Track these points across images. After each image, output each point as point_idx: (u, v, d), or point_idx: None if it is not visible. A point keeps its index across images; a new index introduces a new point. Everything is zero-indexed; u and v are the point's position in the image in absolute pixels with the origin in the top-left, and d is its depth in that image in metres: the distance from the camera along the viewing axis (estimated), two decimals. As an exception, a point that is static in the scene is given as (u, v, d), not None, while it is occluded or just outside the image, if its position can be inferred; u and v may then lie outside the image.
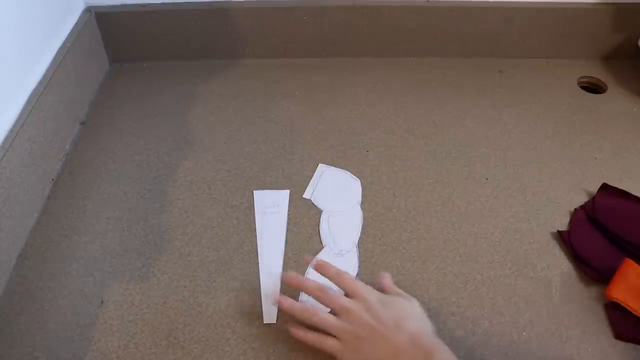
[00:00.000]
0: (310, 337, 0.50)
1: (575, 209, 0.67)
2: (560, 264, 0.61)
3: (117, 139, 0.77)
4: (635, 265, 0.57)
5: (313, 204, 0.67)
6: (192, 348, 0.53)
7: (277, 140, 0.77)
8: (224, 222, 0.65)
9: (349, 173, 0.71)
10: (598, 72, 0.91)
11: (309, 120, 0.81)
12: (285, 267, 0.60)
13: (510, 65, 0.92)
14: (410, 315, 0.49)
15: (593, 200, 0.67)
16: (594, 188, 0.69)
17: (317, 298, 0.52)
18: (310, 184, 0.70)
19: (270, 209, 0.66)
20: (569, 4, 0.87)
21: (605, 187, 0.68)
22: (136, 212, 0.66)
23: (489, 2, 0.87)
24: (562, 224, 0.65)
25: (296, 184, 0.70)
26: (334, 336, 0.49)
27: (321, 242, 0.63)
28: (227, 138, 0.77)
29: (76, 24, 0.82)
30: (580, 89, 0.88)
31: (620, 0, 0.87)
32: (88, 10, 0.85)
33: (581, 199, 0.68)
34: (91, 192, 0.69)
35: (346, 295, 0.52)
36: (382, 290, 0.53)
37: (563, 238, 0.63)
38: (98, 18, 0.86)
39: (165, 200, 0.68)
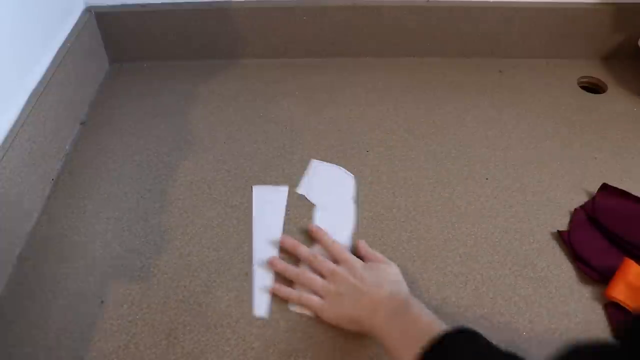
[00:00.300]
0: (295, 294, 0.55)
1: (575, 209, 0.67)
2: (560, 264, 0.61)
3: (117, 139, 0.77)
4: (635, 265, 0.57)
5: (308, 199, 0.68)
6: (192, 348, 0.53)
7: (277, 140, 0.77)
8: (224, 222, 0.65)
9: (343, 169, 0.72)
10: (598, 72, 0.91)
11: (309, 120, 0.81)
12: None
13: (510, 65, 0.92)
14: (389, 278, 0.54)
15: (593, 200, 0.67)
16: (594, 188, 0.69)
17: (308, 262, 0.57)
18: (303, 179, 0.70)
19: (269, 204, 0.67)
20: (569, 4, 0.87)
21: (605, 187, 0.68)
22: (136, 212, 0.66)
23: (489, 2, 0.87)
24: (562, 224, 0.65)
25: (296, 183, 0.70)
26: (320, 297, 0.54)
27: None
28: (227, 138, 0.77)
29: (76, 24, 0.82)
30: (580, 89, 0.88)
31: (620, 0, 0.87)
32: (88, 10, 0.85)
33: (581, 199, 0.68)
34: (91, 192, 0.69)
35: (335, 262, 0.57)
36: (361, 258, 0.58)
37: (563, 238, 0.63)
38: (98, 18, 0.86)
39: (165, 200, 0.68)
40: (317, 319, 0.54)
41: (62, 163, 0.73)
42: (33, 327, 0.54)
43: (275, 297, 0.57)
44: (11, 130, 0.63)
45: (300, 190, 0.68)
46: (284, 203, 0.67)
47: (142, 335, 0.54)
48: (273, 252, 0.61)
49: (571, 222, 0.65)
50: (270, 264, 0.58)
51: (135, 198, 0.68)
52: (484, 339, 0.42)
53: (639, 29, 0.90)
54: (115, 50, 0.90)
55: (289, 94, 0.86)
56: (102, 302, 0.57)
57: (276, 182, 0.70)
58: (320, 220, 0.65)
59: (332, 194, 0.68)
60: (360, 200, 0.68)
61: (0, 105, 0.62)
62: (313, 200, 0.67)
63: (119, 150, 0.75)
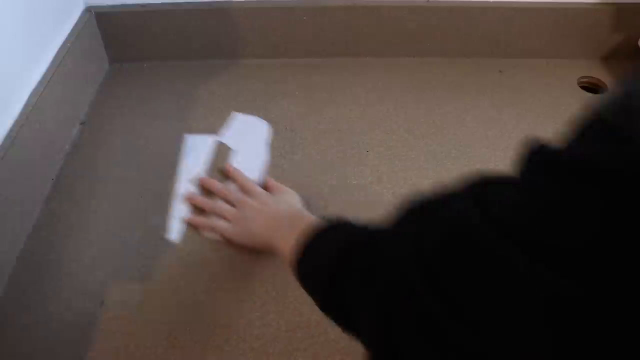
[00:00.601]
0: (204, 220, 0.63)
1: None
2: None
3: (117, 139, 0.77)
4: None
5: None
6: (192, 348, 0.53)
7: (277, 140, 0.77)
8: (224, 222, 0.65)
9: (259, 118, 0.80)
10: (598, 72, 0.91)
11: (309, 120, 0.81)
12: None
13: (510, 65, 0.92)
14: (289, 201, 0.62)
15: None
16: (594, 188, 0.69)
17: (221, 195, 0.65)
18: (224, 128, 0.78)
19: (195, 150, 0.75)
20: (569, 4, 0.87)
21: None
22: (136, 212, 0.66)
23: (489, 2, 0.87)
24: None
25: (296, 183, 0.70)
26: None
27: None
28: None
29: (76, 24, 0.82)
30: (580, 89, 0.88)
31: (620, 0, 0.87)
32: (88, 10, 0.85)
33: (581, 199, 0.68)
34: (91, 192, 0.69)
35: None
36: (270, 190, 0.65)
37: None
38: (98, 18, 0.86)
39: (165, 200, 0.68)
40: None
41: (62, 163, 0.73)
42: (33, 327, 0.54)
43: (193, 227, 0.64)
44: (11, 130, 0.63)
45: (221, 137, 0.77)
46: (209, 150, 0.74)
47: (142, 335, 0.54)
48: (194, 190, 0.69)
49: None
50: (187, 198, 0.67)
51: (135, 198, 0.68)
52: (354, 223, 0.43)
53: (639, 29, 0.90)
54: (115, 50, 0.90)
55: (289, 94, 0.86)
56: (102, 302, 0.57)
57: (277, 182, 0.70)
58: (236, 162, 0.73)
59: (248, 139, 0.77)
60: (361, 201, 0.68)
61: (0, 105, 0.62)
62: (231, 146, 0.75)
63: (119, 150, 0.75)
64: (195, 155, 0.74)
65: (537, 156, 0.22)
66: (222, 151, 0.74)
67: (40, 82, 0.70)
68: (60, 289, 0.58)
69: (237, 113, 0.81)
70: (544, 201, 0.20)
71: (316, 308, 0.56)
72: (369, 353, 0.31)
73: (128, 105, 0.83)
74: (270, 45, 0.91)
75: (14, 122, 0.64)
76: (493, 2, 0.87)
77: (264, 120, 0.80)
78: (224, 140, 0.76)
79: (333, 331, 0.54)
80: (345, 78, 0.89)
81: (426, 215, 0.30)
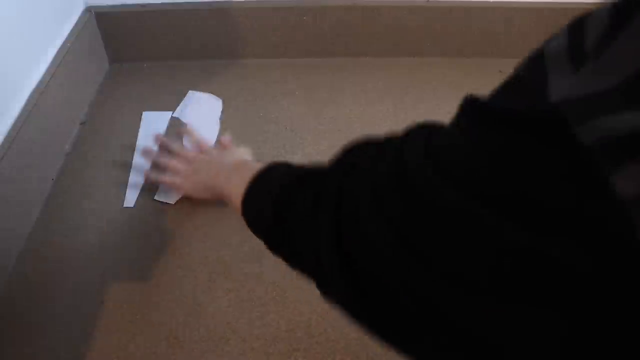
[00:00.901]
0: (160, 176, 0.66)
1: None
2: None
3: (117, 139, 0.77)
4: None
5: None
6: (192, 348, 0.53)
7: (277, 140, 0.77)
8: (224, 222, 0.65)
9: (214, 95, 0.84)
10: (598, 72, 0.91)
11: (309, 120, 0.81)
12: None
13: (510, 65, 0.91)
14: (240, 154, 0.66)
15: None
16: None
17: (176, 153, 0.68)
18: (180, 105, 0.83)
19: (153, 124, 0.79)
20: (569, 4, 0.87)
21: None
22: (137, 212, 0.66)
23: (489, 2, 0.87)
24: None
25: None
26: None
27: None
28: (227, 138, 0.78)
29: (76, 24, 0.82)
30: (580, 89, 0.88)
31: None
32: (88, 10, 0.85)
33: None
34: (91, 192, 0.69)
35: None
36: (223, 148, 0.69)
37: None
38: (98, 18, 0.86)
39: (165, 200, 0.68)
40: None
41: (62, 163, 0.73)
42: (33, 327, 0.55)
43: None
44: (11, 130, 0.63)
45: (177, 114, 0.81)
46: (164, 125, 0.79)
47: (142, 335, 0.54)
48: (148, 161, 0.72)
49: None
50: (144, 152, 0.71)
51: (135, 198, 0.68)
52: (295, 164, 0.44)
53: (639, 29, 0.89)
54: (115, 50, 0.90)
55: (289, 94, 0.86)
56: (102, 302, 0.57)
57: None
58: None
59: (202, 115, 0.81)
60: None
61: (0, 105, 0.62)
62: (185, 121, 0.80)
63: (119, 150, 0.75)
64: (152, 130, 0.77)
65: (471, 107, 0.25)
66: (177, 126, 0.79)
67: (40, 82, 0.70)
68: (60, 289, 0.58)
69: (192, 91, 0.86)
70: (485, 151, 0.22)
71: (316, 308, 0.56)
72: (312, 281, 0.33)
73: (128, 105, 0.83)
74: (270, 45, 0.91)
75: (14, 122, 0.64)
76: (493, 2, 0.87)
77: (218, 98, 0.84)
78: (178, 116, 0.81)
79: (333, 331, 0.54)
80: (345, 78, 0.89)
81: (374, 154, 0.32)
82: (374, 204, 0.26)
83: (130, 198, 0.68)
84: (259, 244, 0.58)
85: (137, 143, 0.76)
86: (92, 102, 0.84)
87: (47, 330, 0.54)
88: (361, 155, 0.33)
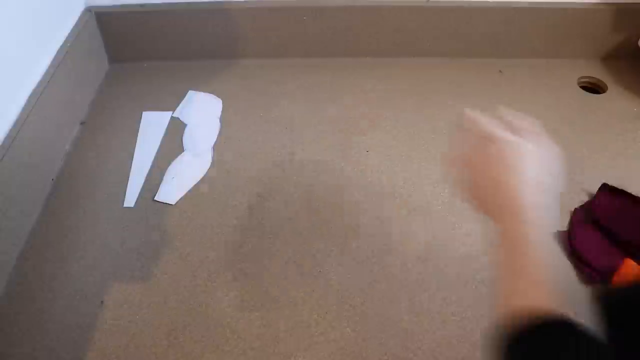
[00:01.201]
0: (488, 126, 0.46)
1: (575, 209, 0.67)
2: (560, 264, 0.61)
3: (117, 139, 0.77)
4: (635, 265, 0.57)
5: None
6: (192, 348, 0.53)
7: (277, 140, 0.77)
8: (224, 222, 0.65)
9: (214, 95, 0.84)
10: (598, 72, 0.91)
11: (309, 120, 0.81)
12: (155, 164, 0.73)
13: (510, 65, 0.92)
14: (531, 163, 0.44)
15: (593, 200, 0.67)
16: (594, 188, 0.69)
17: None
18: (180, 105, 0.83)
19: (153, 126, 0.79)
20: (569, 4, 0.87)
21: (605, 187, 0.68)
22: (137, 212, 0.66)
23: (489, 2, 0.87)
24: (562, 224, 0.65)
25: (297, 183, 0.70)
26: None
27: (183, 149, 0.75)
28: (227, 138, 0.77)
29: (76, 24, 0.82)
30: (580, 89, 0.88)
31: (620, 0, 0.87)
32: (88, 10, 0.85)
33: (581, 199, 0.68)
34: (91, 192, 0.69)
35: None
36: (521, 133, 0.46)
37: (563, 238, 0.63)
38: (98, 18, 0.86)
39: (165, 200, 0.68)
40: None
41: (62, 163, 0.73)
42: (33, 327, 0.54)
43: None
44: (11, 130, 0.63)
45: (177, 114, 0.81)
46: (164, 125, 0.79)
47: (142, 335, 0.54)
48: (149, 160, 0.73)
49: (571, 222, 0.65)
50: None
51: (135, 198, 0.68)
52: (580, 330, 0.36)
53: (639, 29, 0.90)
54: (115, 50, 0.90)
55: (289, 94, 0.86)
56: (102, 302, 0.57)
57: (277, 182, 0.70)
58: (191, 134, 0.78)
59: (202, 115, 0.81)
60: (361, 201, 0.68)
61: (0, 105, 0.62)
62: (185, 121, 0.80)
63: (119, 150, 0.75)
64: (152, 131, 0.77)
65: None
66: (177, 126, 0.79)
67: (40, 82, 0.70)
68: (60, 289, 0.58)
69: (193, 91, 0.85)
70: None
71: (316, 308, 0.56)
72: None
73: (128, 105, 0.83)
74: (270, 45, 0.91)
75: (14, 122, 0.64)
76: (493, 2, 0.87)
77: (218, 98, 0.84)
78: (178, 116, 0.81)
79: (333, 331, 0.54)
80: (345, 78, 0.89)
81: None
82: None
83: (130, 198, 0.68)
84: (259, 244, 0.58)
85: (137, 143, 0.76)
86: (92, 102, 0.84)
87: (47, 330, 0.54)
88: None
